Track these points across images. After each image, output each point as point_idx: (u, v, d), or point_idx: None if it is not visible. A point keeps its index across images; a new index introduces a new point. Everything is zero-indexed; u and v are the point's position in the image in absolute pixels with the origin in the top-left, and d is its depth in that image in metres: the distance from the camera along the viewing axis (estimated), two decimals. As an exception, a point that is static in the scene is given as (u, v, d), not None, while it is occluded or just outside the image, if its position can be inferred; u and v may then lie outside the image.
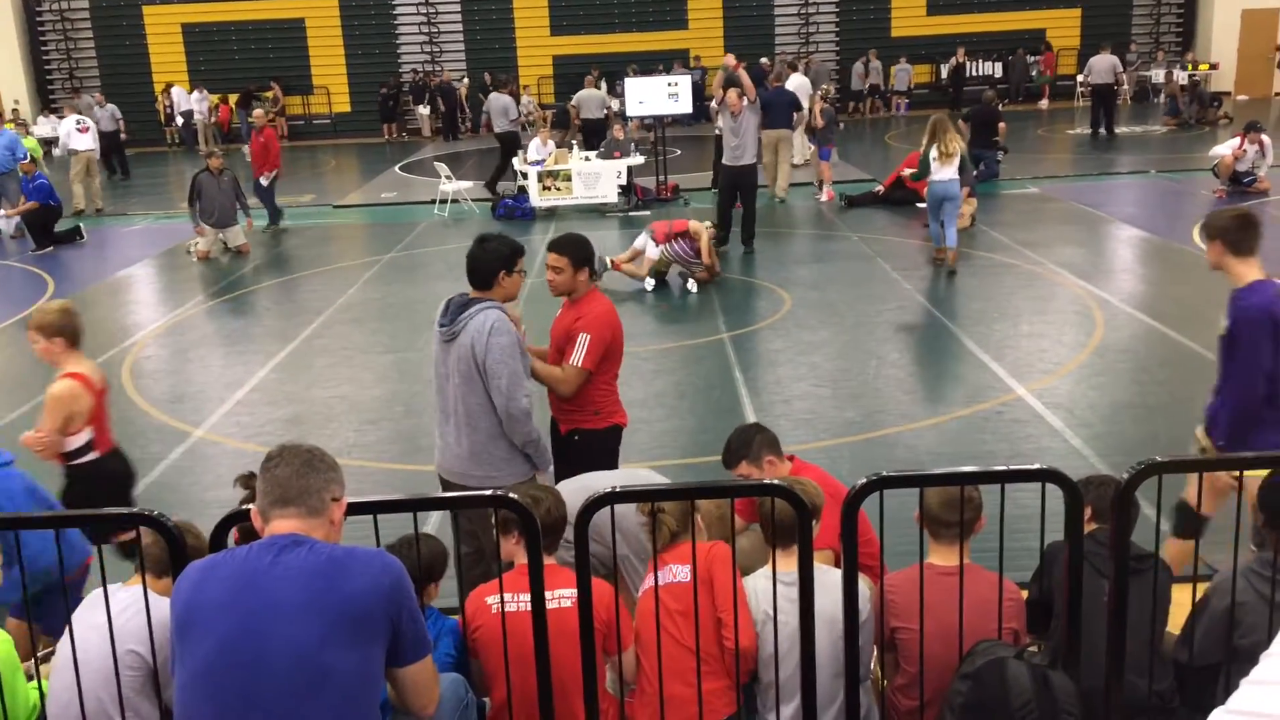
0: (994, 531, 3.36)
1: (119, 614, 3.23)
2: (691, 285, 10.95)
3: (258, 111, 16.68)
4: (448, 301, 4.45)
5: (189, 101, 27.08)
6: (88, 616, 3.33)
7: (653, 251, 11.11)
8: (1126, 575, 3.10)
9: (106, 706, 3.23)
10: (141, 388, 8.54)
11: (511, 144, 17.11)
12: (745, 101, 12.07)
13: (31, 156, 16.37)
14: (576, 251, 4.76)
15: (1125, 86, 23.75)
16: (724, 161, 12.58)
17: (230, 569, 2.48)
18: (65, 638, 3.27)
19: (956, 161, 11.30)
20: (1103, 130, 21.34)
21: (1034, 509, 3.21)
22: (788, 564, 3.28)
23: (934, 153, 11.30)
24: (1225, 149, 14.75)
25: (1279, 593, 3.20)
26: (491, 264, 4.37)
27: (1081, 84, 25.61)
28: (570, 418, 4.88)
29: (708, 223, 11.36)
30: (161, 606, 3.18)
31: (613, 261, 11.11)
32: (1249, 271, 4.26)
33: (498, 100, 17.18)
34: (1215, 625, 3.41)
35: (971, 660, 3.19)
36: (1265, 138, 14.45)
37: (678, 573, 3.47)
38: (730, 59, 13.09)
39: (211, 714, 2.39)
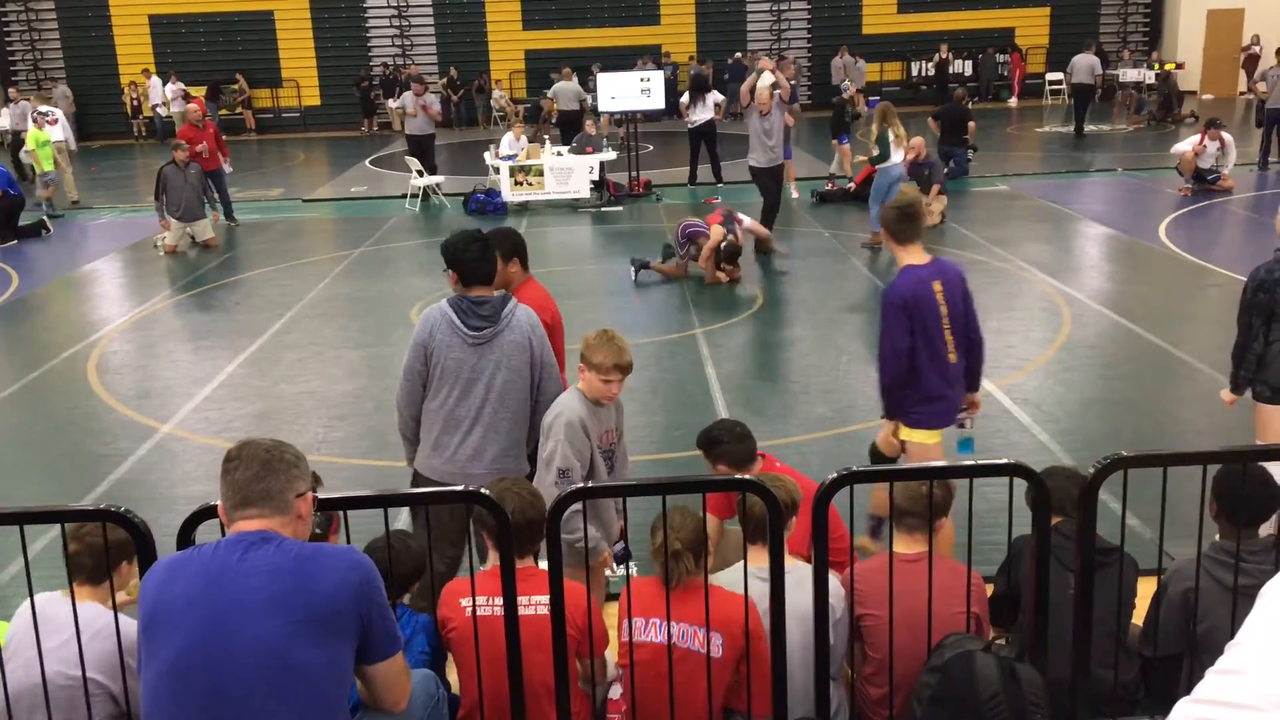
0: (962, 526, 3.39)
1: (70, 638, 2.99)
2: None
3: (190, 106, 16.35)
4: (460, 305, 4.25)
5: (166, 92, 26.50)
6: (31, 640, 2.99)
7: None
8: (1092, 568, 3.14)
9: None
10: (108, 383, 8.44)
11: (411, 142, 16.99)
12: (776, 100, 11.94)
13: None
14: (499, 244, 4.70)
15: (1098, 88, 23.94)
16: (757, 164, 12.16)
17: (198, 566, 2.46)
18: (14, 654, 3.08)
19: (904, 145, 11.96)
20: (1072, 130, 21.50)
21: (1001, 503, 3.24)
22: (766, 559, 3.28)
23: (891, 135, 11.49)
24: (1186, 145, 14.92)
25: (1240, 579, 3.25)
26: (495, 260, 4.40)
27: (1054, 83, 25.70)
28: None
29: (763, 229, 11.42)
30: (104, 621, 3.06)
31: (653, 264, 11.03)
32: (906, 256, 4.75)
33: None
34: (1174, 612, 3.47)
35: (940, 653, 3.22)
36: (1226, 135, 14.61)
37: (691, 638, 3.23)
38: (767, 61, 13.19)
39: (179, 712, 2.37)
